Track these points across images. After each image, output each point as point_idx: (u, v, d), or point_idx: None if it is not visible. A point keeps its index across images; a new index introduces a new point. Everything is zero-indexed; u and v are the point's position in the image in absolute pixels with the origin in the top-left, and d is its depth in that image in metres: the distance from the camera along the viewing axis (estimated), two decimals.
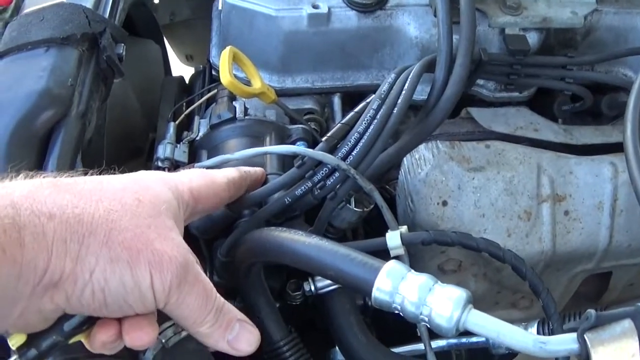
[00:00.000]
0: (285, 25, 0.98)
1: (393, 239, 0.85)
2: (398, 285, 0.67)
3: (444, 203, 0.96)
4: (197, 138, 0.97)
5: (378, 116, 0.86)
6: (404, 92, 0.88)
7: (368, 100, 0.89)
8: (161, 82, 1.11)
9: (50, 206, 0.56)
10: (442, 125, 1.01)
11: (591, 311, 0.73)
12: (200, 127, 0.98)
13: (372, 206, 0.92)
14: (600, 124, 1.10)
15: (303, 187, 0.84)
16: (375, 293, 0.67)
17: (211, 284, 0.65)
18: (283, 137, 0.95)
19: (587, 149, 1.03)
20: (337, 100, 1.02)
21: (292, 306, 0.94)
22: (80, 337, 0.62)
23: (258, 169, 0.85)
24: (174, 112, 1.06)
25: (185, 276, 0.61)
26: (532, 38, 1.01)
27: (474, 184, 0.96)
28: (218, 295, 0.65)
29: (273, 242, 0.77)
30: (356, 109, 0.89)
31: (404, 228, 0.86)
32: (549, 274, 1.04)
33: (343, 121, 0.87)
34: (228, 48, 0.92)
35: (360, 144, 0.85)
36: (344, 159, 0.85)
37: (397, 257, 0.87)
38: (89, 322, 0.61)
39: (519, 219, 0.98)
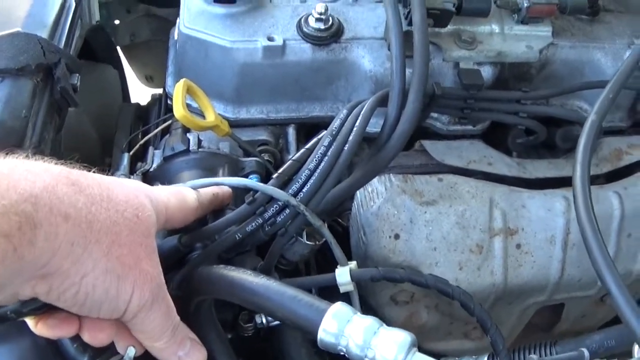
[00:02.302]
0: (240, 57, 0.99)
1: (342, 275, 0.87)
2: (344, 328, 0.69)
3: (396, 236, 0.98)
4: (151, 170, 0.98)
5: (329, 153, 0.88)
6: (355, 128, 0.89)
7: (320, 136, 0.91)
8: (118, 107, 1.12)
9: (67, 206, 0.59)
10: (396, 158, 1.03)
11: (533, 357, 0.75)
12: (155, 159, 0.99)
13: (324, 240, 0.94)
14: (556, 156, 1.13)
15: (254, 224, 0.86)
16: (321, 334, 0.69)
17: (172, 303, 0.71)
18: (236, 170, 0.96)
19: (541, 182, 1.05)
20: (291, 131, 1.04)
21: (244, 337, 0.95)
22: (28, 318, 0.67)
23: (227, 190, 0.88)
24: (129, 141, 1.07)
25: (158, 295, 0.67)
26: (487, 72, 1.04)
27: (426, 217, 0.98)
28: (176, 314, 0.71)
29: (222, 280, 0.78)
30: (307, 145, 0.90)
31: (353, 264, 0.88)
32: (501, 307, 1.06)
33: (294, 157, 0.89)
34: (182, 81, 0.93)
35: (311, 180, 0.87)
36: (295, 195, 0.87)
37: (346, 293, 0.89)
38: (45, 308, 0.65)
39: (470, 252, 1.00)
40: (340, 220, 1.03)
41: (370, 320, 0.70)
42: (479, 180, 1.02)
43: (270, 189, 0.85)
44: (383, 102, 0.93)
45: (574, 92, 1.07)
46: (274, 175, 0.88)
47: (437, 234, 0.99)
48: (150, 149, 1.01)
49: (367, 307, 1.08)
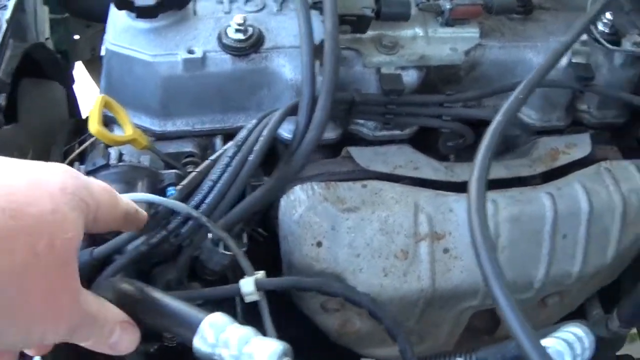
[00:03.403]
0: (162, 71, 1.01)
1: (247, 285, 0.87)
2: (218, 337, 0.70)
3: (319, 244, 0.98)
4: None
5: (232, 163, 0.89)
6: (261, 138, 0.90)
7: (226, 147, 0.92)
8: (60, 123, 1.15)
9: None
10: (323, 165, 1.05)
11: None
12: None
13: (244, 248, 0.95)
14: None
15: (158, 236, 0.87)
16: (196, 343, 0.69)
17: (97, 307, 0.65)
18: (155, 182, 0.98)
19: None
20: (218, 142, 1.05)
21: (169, 347, 0.97)
22: None
23: (145, 214, 0.80)
24: (63, 156, 1.09)
25: (77, 324, 0.61)
26: (411, 76, 1.04)
27: (348, 224, 0.99)
28: (103, 313, 0.66)
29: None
30: (212, 157, 0.92)
31: (261, 273, 0.89)
32: (433, 311, 1.06)
33: (198, 169, 0.90)
34: (100, 97, 0.96)
35: (213, 192, 0.88)
36: (197, 207, 0.88)
37: (254, 302, 0.90)
38: None
39: (395, 258, 1.00)
40: (260, 230, 1.04)
41: (244, 330, 0.71)
42: (404, 186, 1.02)
43: (170, 202, 0.87)
44: (294, 111, 0.94)
45: (503, 92, 1.06)
46: (177, 188, 0.90)
47: (360, 240, 0.99)
48: (76, 164, 1.04)
49: (302, 316, 1.09)
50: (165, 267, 0.94)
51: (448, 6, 1.03)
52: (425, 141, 1.10)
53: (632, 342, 1.73)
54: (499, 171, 1.06)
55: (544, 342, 0.77)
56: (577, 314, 1.22)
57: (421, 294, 1.02)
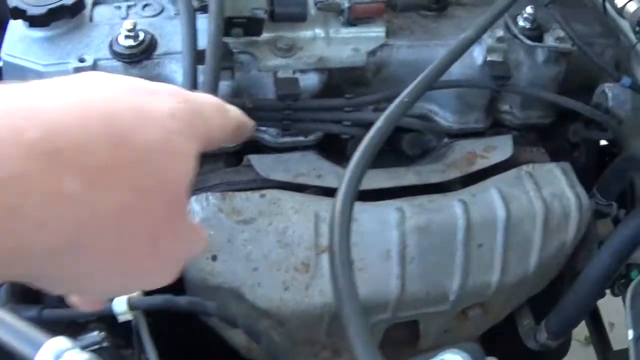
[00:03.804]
0: None
1: (119, 304, 0.84)
2: None
3: (214, 257, 0.95)
4: None
5: None
6: None
7: None
8: None
9: None
10: (224, 174, 1.01)
11: None
12: None
13: None
14: (406, 163, 1.06)
15: None
16: None
17: None
18: None
19: (376, 193, 0.99)
20: None
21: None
22: None
23: (252, 121, 0.64)
24: None
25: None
26: (311, 79, 0.99)
27: (244, 236, 0.95)
28: None
29: None
30: None
31: (134, 293, 0.85)
32: (341, 326, 1.01)
33: None
34: None
35: None
36: None
37: (130, 321, 0.87)
38: None
39: (295, 271, 0.96)
40: None
41: (85, 356, 0.69)
42: (305, 195, 0.98)
43: None
44: None
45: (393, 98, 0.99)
46: None
47: (257, 253, 0.95)
48: None
49: (210, 332, 1.05)
50: None
51: (347, 4, 0.98)
52: (334, 147, 1.05)
53: (588, 345, 1.68)
54: (408, 178, 1.01)
55: None
56: (507, 325, 1.16)
57: (325, 308, 0.97)
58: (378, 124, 0.80)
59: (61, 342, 0.69)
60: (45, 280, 0.46)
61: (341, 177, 0.99)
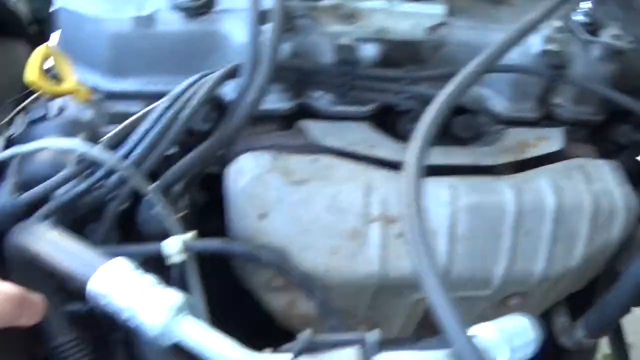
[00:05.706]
0: (111, 28, 0.99)
1: (170, 245, 0.83)
2: (115, 283, 0.68)
3: (263, 216, 0.94)
4: (14, 135, 0.99)
5: (166, 115, 0.86)
6: (198, 93, 0.87)
7: (160, 101, 0.89)
8: None
9: None
10: (276, 137, 1.01)
11: (305, 333, 0.70)
12: (19, 125, 0.99)
13: (186, 211, 0.92)
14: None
15: (80, 187, 0.84)
16: (91, 285, 0.67)
17: None
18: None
19: (429, 169, 0.99)
20: None
21: None
22: None
23: (37, 296, 0.72)
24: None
25: None
26: (369, 50, 1.00)
27: (295, 197, 0.94)
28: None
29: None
30: (145, 110, 0.89)
31: (190, 235, 0.84)
32: (384, 300, 1.01)
33: (128, 121, 0.87)
34: (42, 47, 0.94)
35: (142, 143, 0.85)
36: (126, 157, 0.85)
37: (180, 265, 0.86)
38: None
39: (343, 238, 0.95)
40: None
41: (145, 278, 0.69)
42: (357, 163, 0.98)
43: (92, 150, 0.84)
44: (236, 73, 0.92)
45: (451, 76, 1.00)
46: (105, 137, 0.87)
47: (307, 215, 0.95)
48: (21, 114, 1.02)
49: (248, 292, 1.03)
50: (98, 224, 0.90)
51: None
52: (385, 121, 1.05)
53: None
54: (460, 157, 1.02)
55: (477, 329, 0.71)
56: (542, 321, 1.15)
57: (370, 279, 0.97)
58: (443, 95, 0.81)
59: (121, 262, 0.69)
60: None
61: (395, 150, 1.00)
